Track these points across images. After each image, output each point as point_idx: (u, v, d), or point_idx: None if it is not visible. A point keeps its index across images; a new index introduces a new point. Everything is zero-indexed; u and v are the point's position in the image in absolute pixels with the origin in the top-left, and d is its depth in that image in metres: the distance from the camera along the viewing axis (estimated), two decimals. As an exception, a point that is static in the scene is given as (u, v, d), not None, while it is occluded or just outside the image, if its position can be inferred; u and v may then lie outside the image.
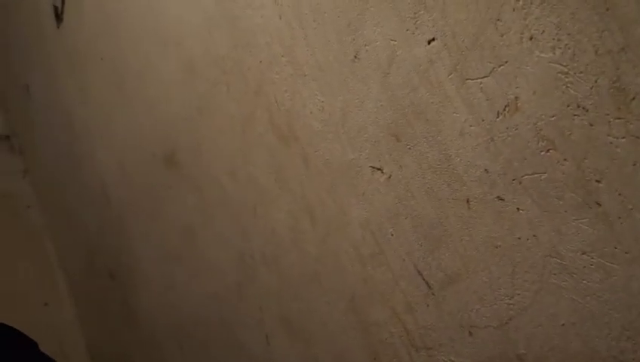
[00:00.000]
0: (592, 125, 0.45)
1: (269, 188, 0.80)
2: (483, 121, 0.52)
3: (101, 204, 1.32)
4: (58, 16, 1.30)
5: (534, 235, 0.51)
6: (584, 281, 0.48)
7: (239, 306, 0.93)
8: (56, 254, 1.71)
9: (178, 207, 1.03)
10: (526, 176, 0.50)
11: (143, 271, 1.23)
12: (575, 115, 0.46)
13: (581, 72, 0.45)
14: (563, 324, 0.51)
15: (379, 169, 0.63)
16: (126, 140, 1.14)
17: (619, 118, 0.43)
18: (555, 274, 0.50)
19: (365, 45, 0.61)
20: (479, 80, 0.51)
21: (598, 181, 0.45)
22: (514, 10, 0.48)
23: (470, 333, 0.59)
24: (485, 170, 0.53)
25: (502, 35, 0.49)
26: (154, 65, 1.00)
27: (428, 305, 0.62)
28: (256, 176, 0.82)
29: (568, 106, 0.46)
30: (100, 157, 1.27)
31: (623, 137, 0.43)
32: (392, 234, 0.64)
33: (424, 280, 0.62)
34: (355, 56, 0.62)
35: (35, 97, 1.56)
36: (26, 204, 1.75)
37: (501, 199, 0.53)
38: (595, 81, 0.44)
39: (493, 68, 0.50)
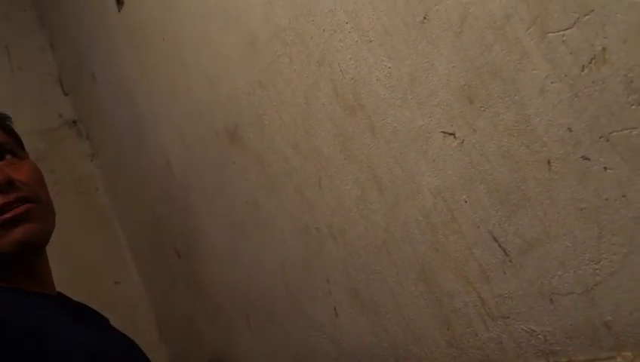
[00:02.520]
0: (692, 73, 0.41)
1: (333, 159, 0.79)
2: (566, 76, 0.49)
3: (165, 183, 1.35)
4: (119, 0, 1.33)
5: (624, 195, 0.48)
6: (682, 242, 0.45)
7: (306, 278, 0.94)
8: (125, 234, 1.77)
9: (242, 182, 1.04)
10: (614, 133, 0.48)
11: (208, 247, 1.26)
12: (672, 64, 0.42)
13: (680, 16, 0.41)
14: (656, 289, 0.48)
15: (451, 134, 0.62)
16: (189, 118, 1.16)
17: None
18: (647, 236, 0.47)
19: (435, 5, 0.59)
20: (562, 32, 0.49)
21: (698, 133, 0.42)
22: (601, -47, 0.44)
23: (551, 301, 0.57)
24: (568, 128, 0.51)
25: (587, -18, 0.46)
26: (214, 41, 1.00)
27: (505, 273, 0.60)
28: (320, 147, 0.81)
29: (664, 54, 0.43)
30: (164, 137, 1.30)
31: None
32: (466, 201, 0.62)
33: (500, 246, 0.60)
34: (425, 17, 0.60)
35: (99, 83, 1.61)
36: (95, 187, 1.82)
37: (586, 158, 0.50)
38: (697, 25, 0.40)
39: (578, 18, 0.47)
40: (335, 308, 0.88)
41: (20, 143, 0.88)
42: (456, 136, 0.61)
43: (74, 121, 1.86)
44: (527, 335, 0.60)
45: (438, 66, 0.60)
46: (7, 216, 0.73)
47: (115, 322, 0.98)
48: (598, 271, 0.52)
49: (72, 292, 0.92)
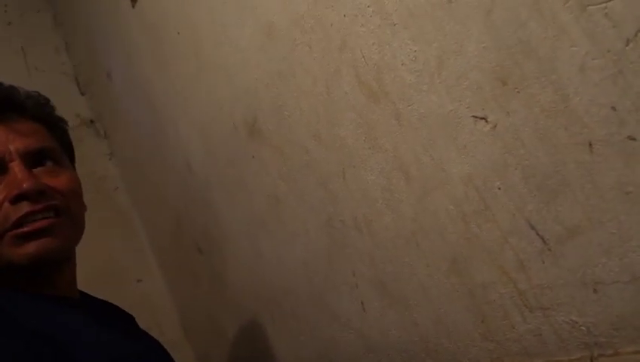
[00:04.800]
0: None
1: (358, 148, 0.77)
2: (609, 51, 0.46)
3: (185, 179, 1.34)
4: (132, -4, 1.31)
5: (675, 177, 0.45)
6: None
7: (330, 273, 0.92)
8: (146, 232, 1.77)
9: (262, 176, 1.02)
10: (664, 110, 0.44)
11: (229, 243, 1.24)
12: None
13: None
14: None
15: (482, 118, 0.59)
16: (206, 113, 1.15)
17: None
18: (702, 220, 0.44)
19: (463, -18, 0.56)
20: (603, 4, 0.45)
21: None
22: None
23: (595, 290, 0.54)
24: (612, 107, 0.47)
25: (632, -51, 0.43)
26: (230, 33, 0.98)
27: (543, 262, 0.57)
28: (343, 137, 0.79)
29: None
30: (182, 133, 1.28)
31: None
32: (500, 188, 0.59)
33: (538, 234, 0.57)
34: (452, -4, 0.57)
35: (115, 81, 1.60)
36: (114, 186, 1.82)
37: (633, 139, 0.47)
38: None
39: (622, -12, 0.44)
40: (362, 303, 0.86)
41: (67, 150, 0.85)
42: (489, 120, 0.58)
43: (91, 121, 1.86)
44: (568, 327, 0.57)
45: (467, 47, 0.58)
46: (24, 229, 0.71)
47: (138, 320, 0.97)
48: (646, 258, 0.49)
49: (93, 292, 0.91)
